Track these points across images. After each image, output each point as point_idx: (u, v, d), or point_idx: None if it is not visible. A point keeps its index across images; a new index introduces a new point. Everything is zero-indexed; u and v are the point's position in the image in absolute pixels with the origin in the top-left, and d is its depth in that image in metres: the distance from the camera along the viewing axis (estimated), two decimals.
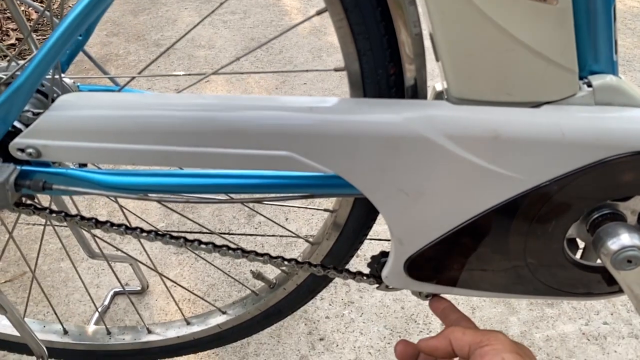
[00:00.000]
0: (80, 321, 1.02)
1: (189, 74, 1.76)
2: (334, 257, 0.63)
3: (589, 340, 0.98)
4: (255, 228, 1.22)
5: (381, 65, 0.45)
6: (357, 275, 0.58)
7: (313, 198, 0.54)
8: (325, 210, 0.63)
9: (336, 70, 0.48)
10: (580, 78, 0.43)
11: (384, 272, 0.54)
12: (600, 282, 0.52)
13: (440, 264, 0.51)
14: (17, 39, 2.02)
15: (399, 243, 0.51)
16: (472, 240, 0.49)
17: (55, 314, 0.83)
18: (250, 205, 1.16)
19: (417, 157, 0.44)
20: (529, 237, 0.48)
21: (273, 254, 0.59)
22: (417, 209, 0.48)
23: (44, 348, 0.69)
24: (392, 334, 1.00)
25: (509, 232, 0.48)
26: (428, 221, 0.48)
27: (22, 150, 0.47)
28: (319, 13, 0.45)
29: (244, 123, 0.45)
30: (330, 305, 1.05)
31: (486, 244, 0.49)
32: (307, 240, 0.68)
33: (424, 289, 0.55)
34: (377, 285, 0.58)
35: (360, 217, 0.58)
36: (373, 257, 0.57)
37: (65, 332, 0.79)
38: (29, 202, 0.56)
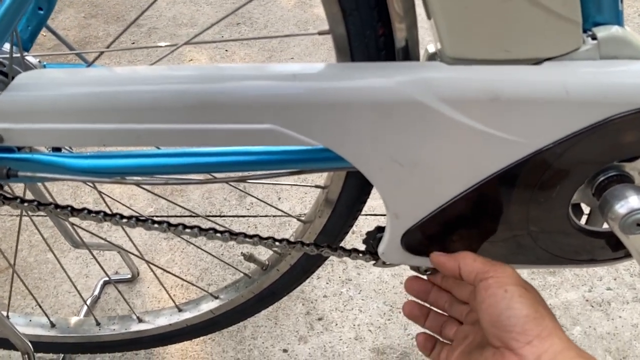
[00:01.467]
0: (70, 312, 1.00)
1: (156, 47, 1.70)
2: (327, 235, 0.60)
3: (592, 306, 0.96)
4: (248, 209, 1.19)
5: (369, 26, 0.41)
6: (352, 252, 0.56)
7: (301, 174, 0.51)
8: (316, 186, 0.60)
9: (320, 33, 0.45)
10: (584, 31, 0.40)
11: (380, 248, 0.52)
12: (604, 248, 0.50)
13: (438, 237, 0.49)
14: None
15: (395, 217, 0.48)
16: (472, 210, 0.46)
17: (40, 307, 0.80)
18: (241, 186, 1.13)
19: (411, 124, 0.41)
20: (532, 205, 0.46)
21: (266, 235, 0.56)
22: (412, 180, 0.45)
23: (29, 343, 0.66)
24: (391, 310, 0.98)
25: (511, 201, 0.46)
26: (424, 193, 0.46)
27: None
28: None
29: (221, 95, 0.41)
30: (327, 283, 1.03)
31: (487, 214, 0.47)
32: (299, 219, 0.65)
33: (423, 263, 0.52)
34: (373, 262, 0.56)
35: (353, 191, 0.55)
36: (368, 233, 0.55)
37: (53, 325, 0.76)
38: None
